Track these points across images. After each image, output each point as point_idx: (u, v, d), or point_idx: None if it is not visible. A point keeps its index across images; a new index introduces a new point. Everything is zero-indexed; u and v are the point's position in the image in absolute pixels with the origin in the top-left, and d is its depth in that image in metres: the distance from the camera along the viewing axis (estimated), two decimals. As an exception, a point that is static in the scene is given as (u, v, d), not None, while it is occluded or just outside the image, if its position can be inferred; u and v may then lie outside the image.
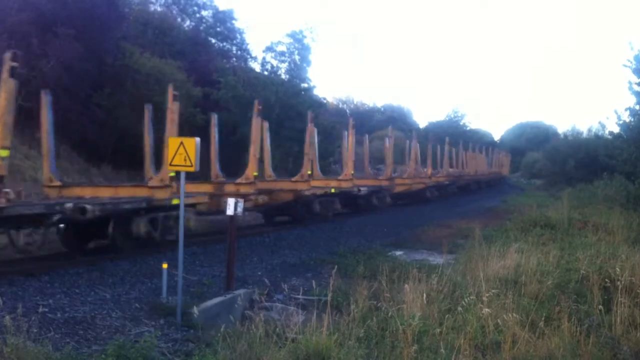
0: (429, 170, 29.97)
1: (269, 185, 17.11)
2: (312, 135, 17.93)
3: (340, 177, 20.38)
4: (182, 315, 7.32)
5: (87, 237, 11.95)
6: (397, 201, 26.38)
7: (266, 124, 18.09)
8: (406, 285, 7.49)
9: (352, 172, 20.06)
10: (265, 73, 31.98)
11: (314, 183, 17.73)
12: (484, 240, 11.69)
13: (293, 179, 17.36)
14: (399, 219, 20.75)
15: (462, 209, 25.36)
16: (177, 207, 11.69)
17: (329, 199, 18.80)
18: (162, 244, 11.68)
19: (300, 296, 8.40)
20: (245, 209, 13.85)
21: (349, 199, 20.76)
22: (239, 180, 14.60)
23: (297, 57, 32.42)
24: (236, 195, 13.68)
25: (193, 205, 12.68)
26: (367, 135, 27.90)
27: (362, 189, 20.88)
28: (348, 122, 20.98)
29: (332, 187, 18.97)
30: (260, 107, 14.66)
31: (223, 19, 32.83)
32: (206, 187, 14.56)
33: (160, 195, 11.67)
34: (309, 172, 17.13)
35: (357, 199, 21.35)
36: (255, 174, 14.30)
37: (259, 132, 14.99)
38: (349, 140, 20.62)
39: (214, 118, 16.13)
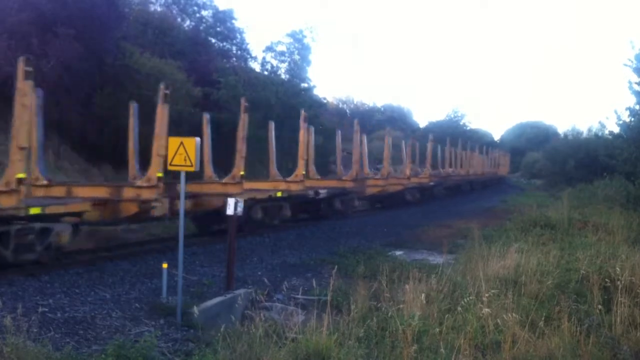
0: (407, 171, 26.79)
1: (193, 189, 13.76)
2: (246, 128, 14.68)
3: (289, 179, 17.17)
4: (182, 315, 7.33)
5: None
6: (374, 204, 24.90)
7: (207, 116, 15.76)
8: (406, 285, 7.50)
9: (304, 172, 17.23)
10: (265, 73, 32.01)
11: (249, 185, 15.38)
12: (483, 240, 11.69)
13: (223, 181, 14.64)
14: (396, 219, 20.75)
15: (459, 210, 25.33)
16: (40, 217, 9.46)
17: (275, 204, 16.01)
18: (20, 265, 9.22)
19: (300, 296, 8.41)
20: (153, 219, 11.66)
21: (303, 203, 17.92)
22: (139, 183, 11.55)
23: (297, 57, 32.47)
24: (136, 200, 11.25)
25: (78, 214, 10.38)
26: (339, 132, 25.27)
27: (320, 191, 18.13)
28: (301, 115, 17.82)
29: (279, 191, 16.11)
30: (167, 92, 11.48)
31: (223, 18, 32.85)
32: (99, 191, 12.01)
33: (5, 202, 8.97)
34: (242, 173, 14.30)
35: (316, 203, 18.47)
36: (160, 174, 11.20)
37: (165, 122, 11.40)
38: (300, 135, 17.66)
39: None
